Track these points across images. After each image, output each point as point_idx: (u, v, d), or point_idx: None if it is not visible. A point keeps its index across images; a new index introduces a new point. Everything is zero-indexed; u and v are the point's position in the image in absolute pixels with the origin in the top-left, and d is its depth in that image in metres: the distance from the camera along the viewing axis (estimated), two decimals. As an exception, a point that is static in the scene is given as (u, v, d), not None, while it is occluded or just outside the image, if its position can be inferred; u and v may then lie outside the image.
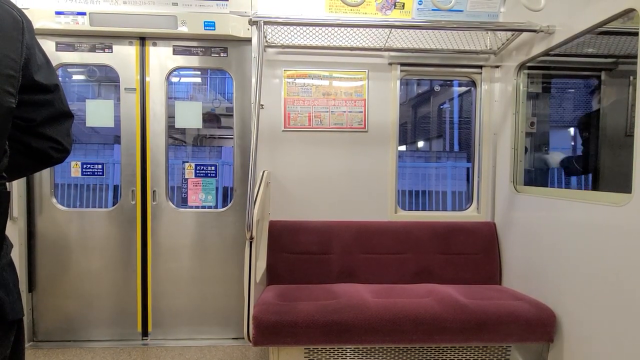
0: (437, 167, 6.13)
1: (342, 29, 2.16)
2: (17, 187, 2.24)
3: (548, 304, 1.85)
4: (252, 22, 1.91)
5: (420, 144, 7.74)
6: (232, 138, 2.43)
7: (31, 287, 2.34)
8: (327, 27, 2.11)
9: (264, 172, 2.23)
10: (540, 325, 1.78)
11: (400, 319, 1.75)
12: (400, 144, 2.50)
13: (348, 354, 1.85)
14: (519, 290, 2.10)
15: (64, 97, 0.87)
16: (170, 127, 2.42)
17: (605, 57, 2.42)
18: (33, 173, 0.93)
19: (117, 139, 2.35)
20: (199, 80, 4.84)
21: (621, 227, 1.45)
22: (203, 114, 4.60)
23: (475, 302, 1.87)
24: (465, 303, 1.84)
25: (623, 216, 1.45)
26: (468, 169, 2.74)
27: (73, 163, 2.37)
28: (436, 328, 1.76)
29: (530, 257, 2.04)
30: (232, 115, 2.41)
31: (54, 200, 2.35)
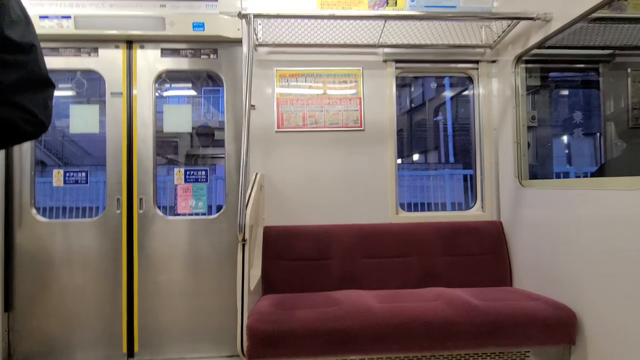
0: (434, 176, 6.05)
1: (335, 24, 2.11)
2: (-6, 198, 2.11)
3: (567, 303, 1.71)
4: (241, 16, 1.85)
5: (417, 155, 7.71)
6: (225, 159, 2.31)
7: (8, 306, 2.16)
8: (319, 23, 2.06)
9: (257, 174, 2.12)
10: (560, 326, 1.64)
11: (408, 325, 1.60)
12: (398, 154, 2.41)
13: (353, 366, 1.68)
14: (532, 291, 1.96)
15: (43, 62, 0.75)
16: (161, 143, 2.31)
17: (602, 48, 2.39)
18: (1, 149, 0.81)
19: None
20: (193, 93, 4.79)
21: (637, 213, 1.35)
22: (197, 127, 4.51)
23: (488, 303, 1.73)
24: (478, 305, 1.70)
25: (638, 200, 1.35)
26: (467, 175, 2.65)
27: (55, 171, 2.24)
28: (448, 333, 1.61)
29: (543, 254, 1.92)
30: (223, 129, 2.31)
31: (34, 211, 2.21)
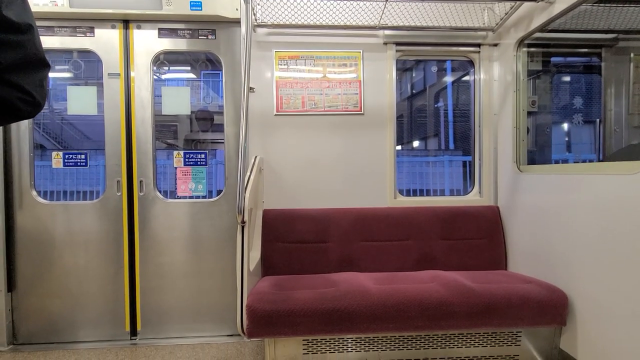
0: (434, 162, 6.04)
1: (335, 5, 2.08)
2: (-7, 179, 2.11)
3: (559, 286, 1.75)
4: None
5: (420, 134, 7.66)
6: (224, 142, 2.31)
7: (11, 286, 2.20)
8: (319, 3, 2.03)
9: (256, 157, 2.13)
10: (551, 308, 1.68)
11: (404, 305, 1.64)
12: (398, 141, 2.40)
13: (349, 344, 1.73)
14: (526, 274, 2.00)
15: (39, 42, 0.76)
16: (160, 127, 2.29)
17: (605, 32, 2.35)
18: None
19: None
20: (192, 76, 4.73)
21: (634, 197, 1.36)
22: (196, 111, 4.47)
23: (483, 285, 1.77)
24: (473, 287, 1.74)
25: (636, 184, 1.36)
26: (466, 162, 2.64)
27: (54, 153, 2.24)
28: (443, 313, 1.65)
29: (538, 239, 1.95)
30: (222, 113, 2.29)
31: (34, 192, 2.22)
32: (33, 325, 2.22)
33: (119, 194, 2.23)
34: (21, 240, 2.21)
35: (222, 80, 2.29)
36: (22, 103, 0.75)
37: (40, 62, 0.77)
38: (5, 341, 2.16)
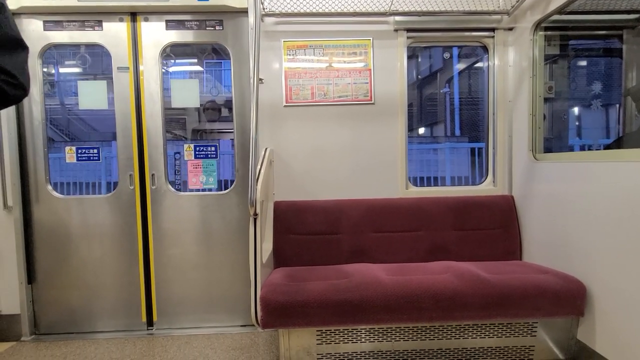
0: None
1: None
2: (10, 175, 2.15)
3: (577, 276, 1.72)
4: None
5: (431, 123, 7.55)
6: (232, 131, 2.30)
7: (30, 278, 2.26)
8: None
9: (266, 149, 2.12)
10: (569, 298, 1.65)
11: (417, 296, 1.63)
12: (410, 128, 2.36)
13: (363, 335, 1.74)
14: (542, 264, 1.97)
15: (13, 22, 0.76)
16: (168, 119, 2.29)
17: (627, 12, 2.25)
18: None
19: (115, 136, 2.23)
20: (198, 68, 4.71)
21: None
22: (205, 102, 4.48)
23: (497, 276, 1.75)
24: (487, 277, 1.72)
25: None
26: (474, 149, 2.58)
27: (67, 148, 2.27)
28: (456, 304, 1.64)
29: (554, 228, 1.91)
30: (232, 107, 2.28)
31: (49, 187, 2.25)
32: (53, 316, 2.29)
33: (131, 187, 2.26)
34: (39, 234, 2.26)
35: (230, 71, 2.27)
36: (8, 86, 0.75)
37: (16, 42, 0.76)
38: (28, 331, 2.23)
